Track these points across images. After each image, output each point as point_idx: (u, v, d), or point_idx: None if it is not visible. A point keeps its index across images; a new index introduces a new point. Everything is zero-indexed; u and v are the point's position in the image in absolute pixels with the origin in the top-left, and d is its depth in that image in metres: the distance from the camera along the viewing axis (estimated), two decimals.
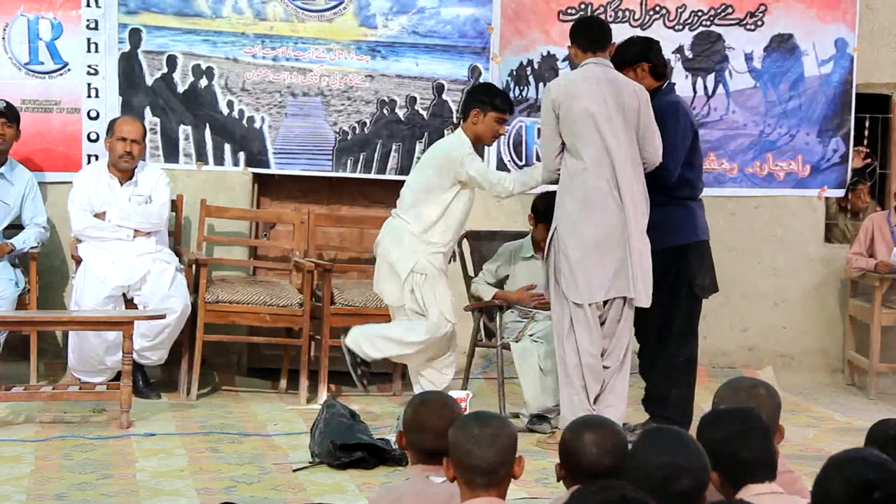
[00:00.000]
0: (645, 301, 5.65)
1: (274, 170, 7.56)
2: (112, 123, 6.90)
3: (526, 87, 7.69)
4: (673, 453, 2.69)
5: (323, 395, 6.72)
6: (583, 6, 7.72)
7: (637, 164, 5.60)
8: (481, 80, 7.53)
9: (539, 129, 7.32)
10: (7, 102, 6.97)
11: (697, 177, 5.98)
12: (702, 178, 6.06)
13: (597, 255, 5.49)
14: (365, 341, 6.15)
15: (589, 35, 5.75)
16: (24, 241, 6.88)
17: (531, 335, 6.28)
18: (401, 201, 6.27)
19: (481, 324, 6.54)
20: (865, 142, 8.20)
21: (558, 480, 3.05)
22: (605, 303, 5.59)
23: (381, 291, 6.29)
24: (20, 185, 6.98)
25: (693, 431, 2.99)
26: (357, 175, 7.59)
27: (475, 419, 2.95)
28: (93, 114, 7.33)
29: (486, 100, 6.11)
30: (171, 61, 7.40)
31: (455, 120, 7.58)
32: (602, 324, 5.59)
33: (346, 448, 5.19)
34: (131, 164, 6.85)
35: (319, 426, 5.31)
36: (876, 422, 3.32)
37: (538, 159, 6.25)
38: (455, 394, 5.77)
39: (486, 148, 7.56)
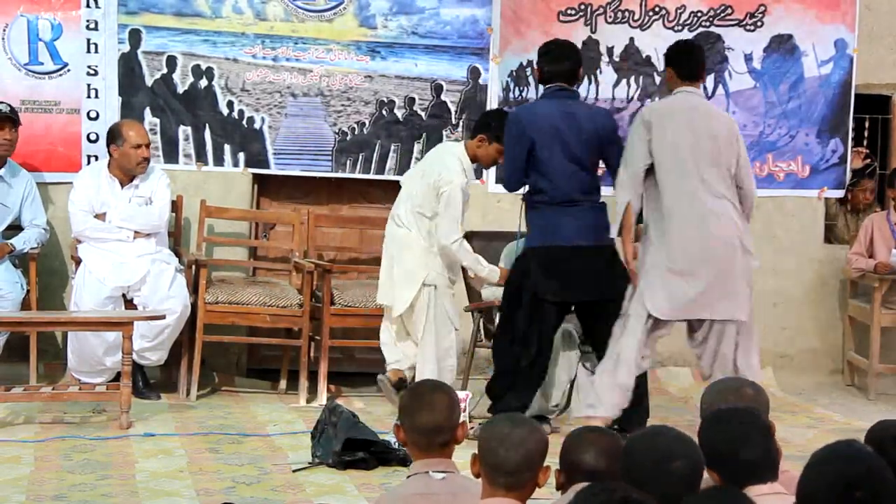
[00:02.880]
0: (730, 314, 5.67)
1: (274, 170, 7.56)
2: (117, 130, 6.83)
3: (525, 88, 7.68)
4: (665, 441, 2.74)
5: (323, 396, 6.73)
6: (582, 7, 7.72)
7: (726, 192, 5.63)
8: (481, 82, 7.55)
9: None
10: (11, 106, 6.96)
11: (551, 184, 5.80)
12: (562, 183, 5.79)
13: (687, 275, 5.58)
14: None
15: (690, 64, 5.82)
16: (25, 241, 6.87)
17: None
18: (399, 206, 6.33)
19: (481, 324, 6.54)
20: (865, 142, 8.20)
21: (558, 489, 3.05)
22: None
23: (393, 298, 6.31)
24: (20, 187, 6.98)
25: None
26: (356, 175, 7.60)
27: (508, 419, 2.94)
28: (93, 114, 7.33)
29: (496, 129, 6.15)
30: (171, 62, 7.40)
31: (454, 121, 7.59)
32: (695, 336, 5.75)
33: (353, 444, 5.19)
34: (146, 168, 6.85)
35: (328, 430, 5.30)
36: (875, 423, 3.32)
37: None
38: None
39: None
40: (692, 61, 5.84)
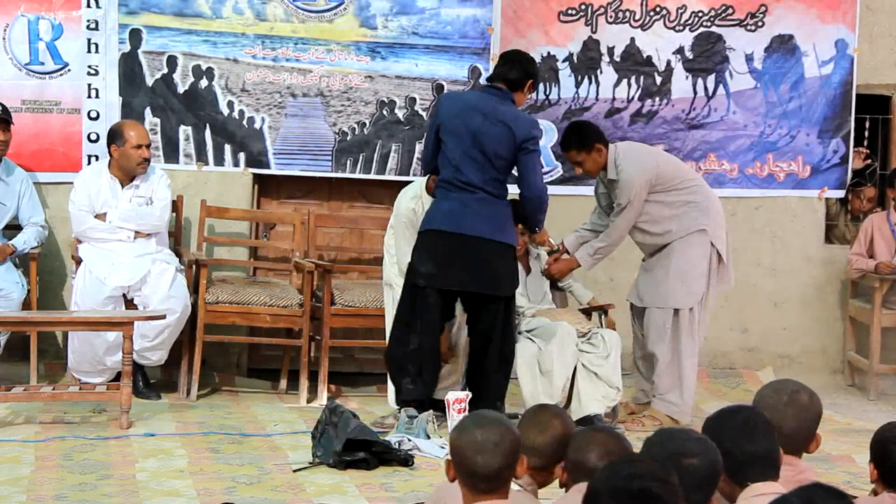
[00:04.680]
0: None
1: (274, 170, 7.56)
2: (118, 131, 6.83)
3: None
4: (684, 439, 2.77)
5: (323, 396, 6.73)
6: (583, 7, 7.72)
7: None
8: (482, 82, 7.54)
9: None
10: (3, 106, 6.94)
11: (449, 164, 5.83)
12: (461, 165, 5.79)
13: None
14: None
15: (600, 131, 6.45)
16: (25, 241, 6.88)
17: (528, 331, 6.29)
18: None
19: None
20: (865, 143, 8.20)
21: (561, 486, 3.05)
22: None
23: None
24: (16, 185, 6.97)
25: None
26: (357, 175, 7.60)
27: (477, 424, 2.90)
28: (93, 114, 7.33)
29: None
30: (172, 62, 7.40)
31: None
32: None
33: (354, 444, 5.19)
34: (146, 168, 6.85)
35: (329, 430, 5.30)
36: (881, 426, 3.32)
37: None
38: (454, 394, 5.80)
39: None
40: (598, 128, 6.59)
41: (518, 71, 5.90)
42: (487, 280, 5.81)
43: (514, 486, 3.08)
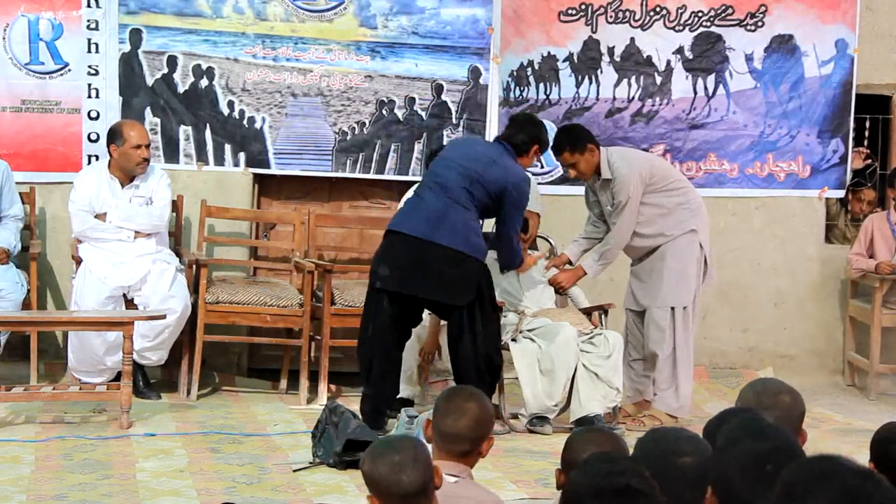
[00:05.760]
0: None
1: (274, 170, 7.56)
2: (118, 130, 6.82)
3: (526, 88, 7.69)
4: (677, 437, 2.76)
5: (323, 396, 6.73)
6: (583, 7, 7.72)
7: None
8: (482, 82, 7.56)
9: None
10: None
11: (431, 170, 5.98)
12: (444, 171, 5.88)
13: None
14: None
15: (591, 133, 6.50)
16: (14, 244, 6.84)
17: (529, 330, 6.30)
18: None
19: None
20: (865, 142, 8.20)
21: (558, 488, 3.05)
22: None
23: None
24: None
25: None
26: (356, 175, 7.60)
27: (388, 448, 2.85)
28: (93, 114, 7.33)
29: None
30: (172, 61, 7.40)
31: (454, 121, 7.59)
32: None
33: (354, 444, 5.19)
34: (146, 168, 6.85)
35: (329, 430, 5.30)
36: (881, 426, 3.32)
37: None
38: None
39: None
40: (588, 131, 6.61)
41: (525, 135, 6.02)
42: (437, 288, 5.76)
43: (450, 479, 3.09)
